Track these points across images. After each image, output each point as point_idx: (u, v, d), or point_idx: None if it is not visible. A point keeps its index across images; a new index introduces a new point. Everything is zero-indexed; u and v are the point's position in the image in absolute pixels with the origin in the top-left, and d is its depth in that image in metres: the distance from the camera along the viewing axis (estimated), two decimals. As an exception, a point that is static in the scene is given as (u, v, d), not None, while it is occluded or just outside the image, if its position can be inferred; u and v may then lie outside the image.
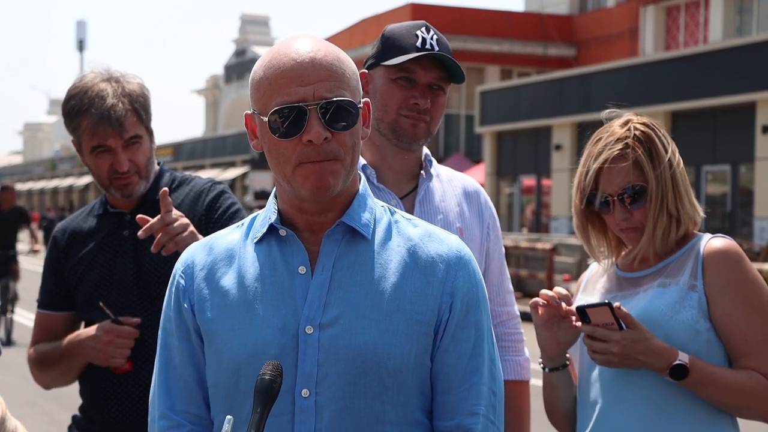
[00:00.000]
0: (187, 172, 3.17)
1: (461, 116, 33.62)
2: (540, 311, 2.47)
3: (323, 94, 1.84)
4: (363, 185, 1.99)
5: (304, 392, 1.85)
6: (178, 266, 2.01)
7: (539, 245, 19.49)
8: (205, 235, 2.64)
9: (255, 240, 1.96)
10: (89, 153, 2.89)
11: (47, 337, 2.98)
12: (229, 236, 2.01)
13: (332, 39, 35.40)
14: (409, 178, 2.77)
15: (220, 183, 3.06)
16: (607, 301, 2.37)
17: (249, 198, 36.36)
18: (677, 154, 2.50)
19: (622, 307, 2.37)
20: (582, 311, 2.40)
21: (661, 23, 30.72)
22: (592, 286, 2.64)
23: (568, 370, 2.57)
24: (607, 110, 2.59)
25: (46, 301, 3.01)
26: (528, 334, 2.97)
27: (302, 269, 1.90)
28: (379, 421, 1.87)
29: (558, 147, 26.41)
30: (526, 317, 3.22)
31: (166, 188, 2.67)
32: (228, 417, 1.69)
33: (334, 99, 1.84)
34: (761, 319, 2.39)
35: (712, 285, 2.40)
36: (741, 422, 2.51)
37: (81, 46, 48.50)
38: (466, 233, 2.78)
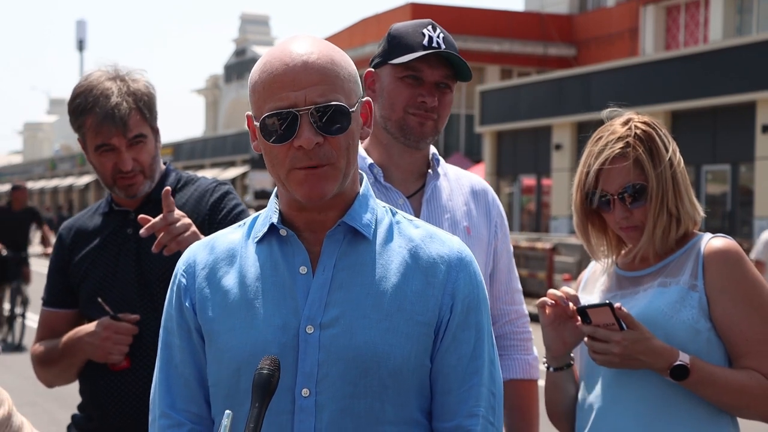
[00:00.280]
0: (191, 172, 3.17)
1: (461, 116, 33.63)
2: (547, 311, 2.47)
3: (315, 98, 1.83)
4: (365, 185, 1.99)
5: (304, 392, 1.85)
6: (180, 265, 2.02)
7: (539, 245, 19.50)
8: (208, 235, 2.64)
9: (256, 239, 1.96)
10: (93, 151, 2.89)
11: (51, 335, 2.98)
12: (230, 236, 2.02)
13: (332, 39, 35.40)
14: (416, 177, 2.77)
15: (225, 183, 3.06)
16: (607, 301, 2.37)
17: (249, 197, 36.37)
18: (678, 154, 2.50)
19: (622, 308, 2.37)
20: (583, 312, 2.40)
21: (661, 23, 30.71)
22: (591, 285, 2.64)
23: (572, 369, 2.57)
24: (608, 109, 2.59)
25: (50, 298, 3.02)
26: (534, 333, 2.98)
27: (303, 269, 1.90)
28: (378, 421, 1.87)
29: (558, 147, 26.40)
30: (531, 318, 3.22)
31: (168, 187, 2.67)
32: (227, 411, 1.69)
33: (326, 103, 1.84)
34: (761, 318, 2.39)
35: (712, 285, 2.40)
36: (741, 422, 2.51)
37: (81, 45, 48.52)
38: (474, 232, 2.78)
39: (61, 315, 2.99)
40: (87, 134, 2.88)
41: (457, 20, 33.27)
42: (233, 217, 2.92)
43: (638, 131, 2.48)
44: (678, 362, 2.34)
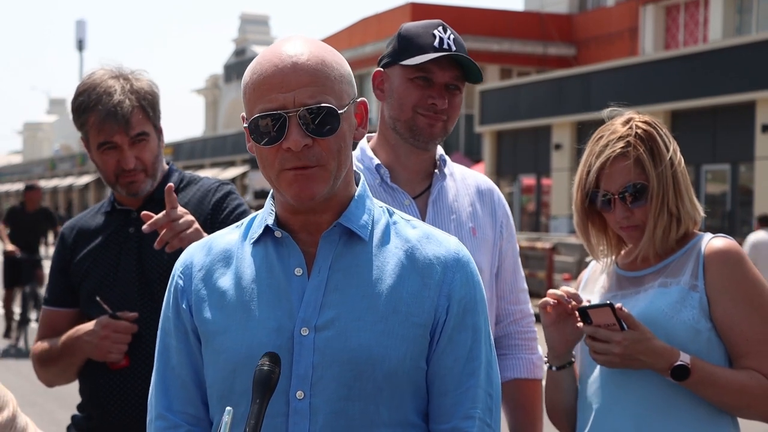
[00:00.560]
0: (192, 172, 3.17)
1: (461, 115, 33.51)
2: (549, 310, 2.47)
3: (304, 100, 1.82)
4: (362, 186, 1.98)
5: (299, 394, 1.85)
6: (177, 267, 2.01)
7: (539, 244, 19.50)
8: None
9: (252, 241, 1.95)
10: (96, 149, 2.90)
11: (52, 334, 2.97)
12: (227, 236, 2.01)
13: (332, 38, 35.41)
14: (422, 177, 2.77)
15: (227, 184, 3.06)
16: (608, 301, 2.37)
17: (249, 197, 36.36)
18: (678, 153, 2.50)
19: (623, 308, 2.37)
20: (583, 312, 2.40)
21: (660, 22, 30.71)
22: (591, 284, 2.63)
23: (573, 368, 2.57)
24: (609, 109, 2.59)
25: (52, 297, 3.02)
26: (538, 332, 2.98)
27: (299, 271, 1.90)
28: (373, 424, 1.86)
29: (558, 146, 26.40)
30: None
31: (171, 184, 2.67)
32: (228, 408, 1.69)
33: (315, 105, 1.82)
34: (762, 318, 2.39)
35: (713, 285, 2.40)
36: (741, 422, 2.51)
37: (81, 45, 48.51)
38: (479, 233, 2.78)
39: (63, 314, 2.99)
40: (90, 132, 2.89)
41: (456, 20, 33.25)
42: (235, 217, 2.92)
43: (639, 131, 2.48)
44: (679, 362, 2.34)
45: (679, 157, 2.50)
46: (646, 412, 2.41)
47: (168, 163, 3.07)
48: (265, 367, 1.72)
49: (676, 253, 2.48)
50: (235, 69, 59.38)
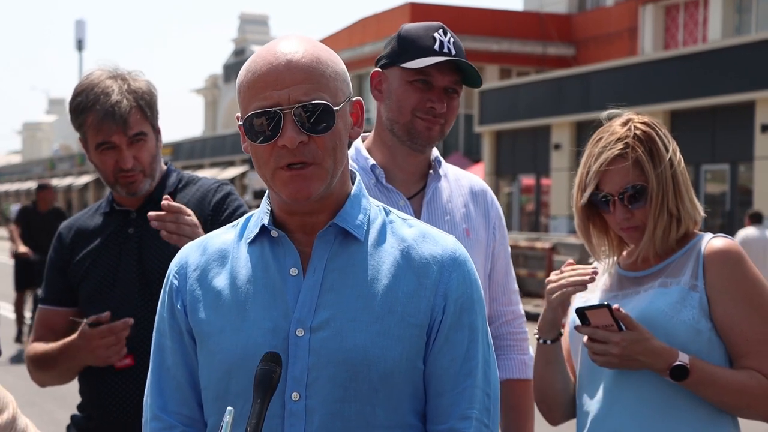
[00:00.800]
0: (192, 172, 3.17)
1: (460, 115, 33.61)
2: (555, 286, 2.46)
3: (299, 97, 1.81)
4: (357, 185, 1.97)
5: (294, 395, 1.83)
6: (172, 267, 2.00)
7: (539, 244, 19.49)
8: None
9: (248, 240, 1.94)
10: (94, 150, 2.90)
11: (49, 333, 2.96)
12: (223, 236, 2.00)
13: (331, 38, 35.41)
14: (417, 178, 2.78)
15: (226, 184, 3.06)
16: (606, 302, 2.37)
17: (248, 197, 36.36)
18: (678, 154, 2.50)
19: (621, 309, 2.37)
20: (581, 313, 2.39)
21: (660, 22, 30.72)
22: (593, 284, 2.63)
23: (560, 342, 2.56)
24: (608, 110, 2.58)
25: (49, 296, 3.00)
26: (529, 332, 2.99)
27: (294, 271, 1.88)
28: (369, 425, 1.85)
29: (557, 146, 26.40)
30: (528, 317, 3.22)
31: (167, 195, 2.69)
32: (229, 408, 1.67)
33: (310, 102, 1.82)
34: (762, 318, 2.39)
35: (713, 285, 2.40)
36: (741, 422, 2.51)
37: (80, 45, 48.50)
38: (473, 234, 2.79)
39: (61, 313, 2.98)
40: (88, 132, 2.89)
41: (456, 20, 33.25)
42: (236, 218, 2.92)
43: (638, 132, 2.48)
44: (677, 362, 2.34)
45: (679, 158, 2.49)
46: (647, 412, 2.41)
47: (166, 163, 3.07)
48: (267, 367, 1.71)
49: (676, 253, 2.48)
50: (234, 69, 59.37)
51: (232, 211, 2.96)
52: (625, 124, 2.51)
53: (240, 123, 1.88)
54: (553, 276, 2.51)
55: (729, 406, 2.40)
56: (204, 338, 1.91)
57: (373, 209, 1.97)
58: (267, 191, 1.98)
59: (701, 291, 2.41)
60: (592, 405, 2.49)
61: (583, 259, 2.54)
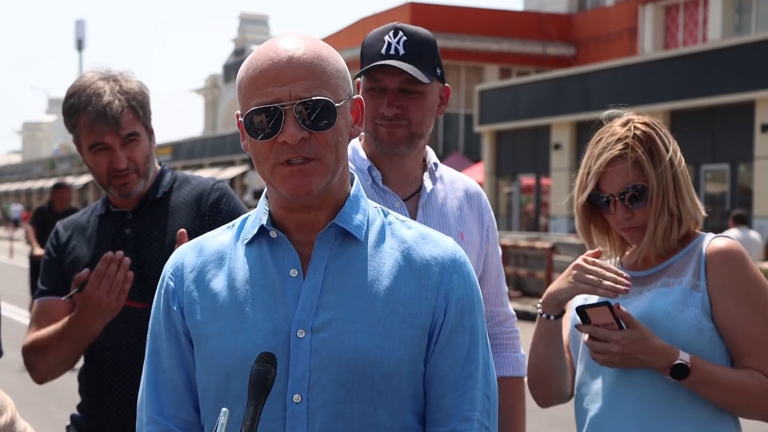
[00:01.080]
0: (187, 172, 3.17)
1: (460, 115, 33.62)
2: (590, 279, 2.42)
3: (300, 93, 1.80)
4: (356, 186, 1.96)
5: (296, 397, 1.82)
6: (168, 268, 1.98)
7: (538, 244, 19.49)
8: None
9: (245, 241, 1.93)
10: (88, 151, 2.90)
11: (49, 323, 2.89)
12: (219, 237, 1.98)
13: (331, 38, 35.42)
14: (411, 180, 2.77)
15: (223, 183, 3.05)
16: (606, 300, 2.37)
17: (248, 197, 36.37)
18: (678, 153, 2.49)
19: (621, 307, 2.37)
20: (582, 311, 2.39)
21: (660, 22, 30.73)
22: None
23: (562, 321, 2.54)
24: (608, 111, 2.58)
25: (48, 288, 2.95)
26: (523, 332, 3.00)
27: (294, 272, 1.87)
28: (372, 427, 1.83)
29: (557, 146, 26.41)
30: (527, 317, 3.22)
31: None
32: (224, 409, 1.65)
33: (311, 98, 1.80)
34: (763, 318, 2.39)
35: (714, 285, 2.40)
36: (742, 422, 2.51)
37: (80, 45, 48.52)
38: (467, 237, 2.79)
39: (62, 304, 2.91)
40: (81, 134, 2.89)
41: (455, 19, 33.28)
42: (235, 217, 2.91)
43: (638, 132, 2.47)
44: (678, 361, 2.33)
45: (680, 158, 2.49)
46: (648, 411, 2.41)
47: (160, 164, 3.06)
48: (261, 368, 1.69)
49: (678, 253, 2.48)
50: (234, 69, 59.41)
51: (229, 210, 2.96)
52: (625, 124, 2.51)
53: (240, 120, 1.87)
54: (588, 260, 2.45)
55: (729, 406, 2.40)
56: (202, 340, 1.89)
57: (371, 210, 1.95)
58: (265, 191, 1.97)
59: (703, 291, 2.40)
60: (592, 403, 2.49)
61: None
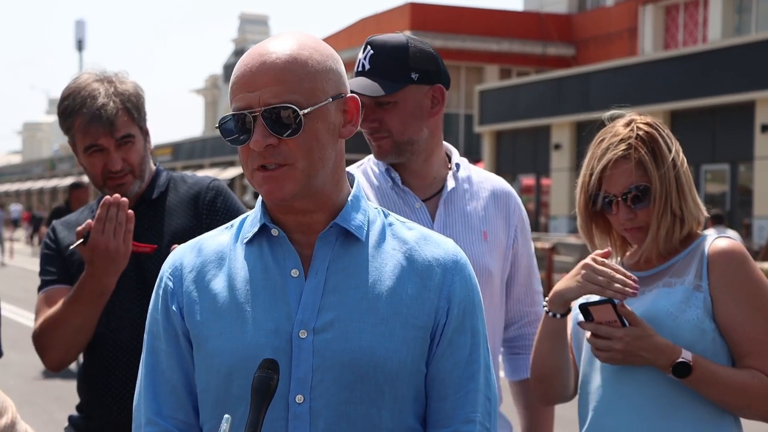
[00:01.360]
0: (184, 172, 3.16)
1: (460, 116, 33.63)
2: (600, 280, 2.41)
3: (268, 100, 1.80)
4: (356, 187, 1.95)
5: (299, 398, 1.81)
6: (166, 268, 1.97)
7: (538, 244, 19.48)
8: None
9: (245, 240, 1.92)
10: (83, 153, 2.90)
11: None
12: (218, 237, 1.97)
13: (331, 39, 35.42)
14: (432, 181, 2.78)
15: (218, 181, 3.05)
16: (609, 298, 2.37)
17: (248, 197, 36.39)
18: (681, 154, 2.49)
19: (624, 305, 2.36)
20: (585, 309, 2.39)
21: (660, 22, 30.73)
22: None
23: (567, 318, 2.53)
24: (611, 111, 2.58)
25: (51, 278, 2.93)
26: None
27: (295, 272, 1.86)
28: (374, 428, 1.83)
29: (557, 146, 26.42)
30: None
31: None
32: (226, 416, 1.65)
33: (277, 105, 1.80)
34: (765, 318, 2.39)
35: (716, 285, 2.40)
36: (743, 422, 2.51)
37: (80, 45, 48.52)
38: (491, 237, 2.78)
39: (64, 291, 2.88)
40: (76, 136, 2.90)
41: (455, 20, 33.29)
42: (232, 215, 2.91)
43: (640, 132, 2.47)
44: (680, 359, 2.33)
45: (682, 158, 2.49)
46: (649, 409, 2.40)
47: (155, 164, 3.07)
48: (264, 374, 1.68)
49: (680, 253, 2.48)
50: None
51: (226, 208, 2.96)
52: (627, 124, 2.50)
53: (216, 125, 1.88)
54: (598, 260, 2.43)
55: (730, 406, 2.40)
56: (202, 341, 1.88)
57: (371, 211, 1.95)
58: None
59: (705, 291, 2.40)
60: (594, 401, 2.48)
61: (582, 259, 2.52)
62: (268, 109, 1.79)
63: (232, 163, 46.08)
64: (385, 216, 1.96)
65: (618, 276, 2.39)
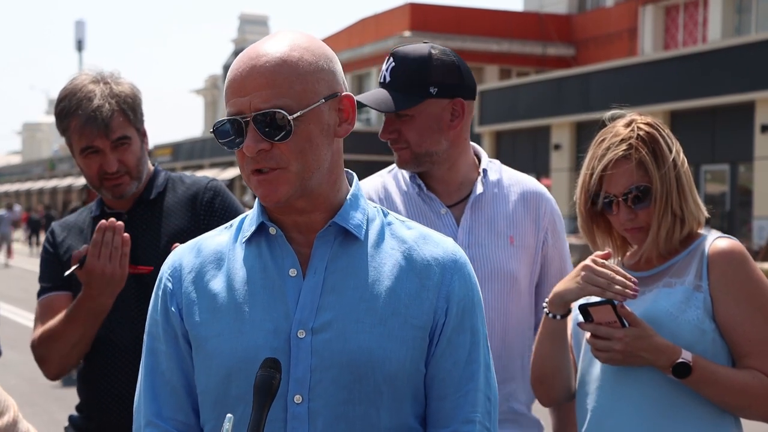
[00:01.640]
0: (183, 172, 3.16)
1: (460, 116, 33.56)
2: (600, 282, 2.40)
3: (258, 105, 1.80)
4: (355, 186, 1.95)
5: (297, 398, 1.81)
6: (165, 269, 1.97)
7: (538, 245, 19.47)
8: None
9: (244, 239, 1.92)
10: (79, 154, 2.91)
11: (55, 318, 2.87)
12: (217, 238, 1.97)
13: (331, 39, 35.41)
14: (458, 187, 2.79)
15: (216, 181, 3.05)
16: (609, 298, 2.37)
17: (248, 197, 36.36)
18: (681, 154, 2.49)
19: (624, 305, 2.36)
20: (584, 310, 2.39)
21: (660, 23, 30.73)
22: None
23: (567, 319, 2.53)
24: (611, 111, 2.58)
25: (50, 284, 2.94)
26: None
27: (293, 272, 1.86)
28: (373, 428, 1.83)
29: (557, 146, 26.42)
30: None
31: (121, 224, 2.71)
32: (228, 415, 1.65)
33: (267, 110, 1.79)
34: (765, 318, 2.38)
35: (716, 285, 2.39)
36: (743, 422, 2.51)
37: (80, 45, 48.50)
38: (517, 241, 2.78)
39: (63, 297, 2.91)
40: (72, 137, 2.90)
41: (455, 20, 33.28)
42: (230, 216, 2.91)
43: (641, 132, 2.47)
44: (680, 360, 2.33)
45: (682, 158, 2.49)
46: (649, 409, 2.40)
47: (154, 164, 3.07)
48: (266, 373, 1.68)
49: (680, 253, 2.48)
50: (234, 69, 59.39)
51: (224, 208, 2.96)
52: (628, 125, 2.50)
53: (210, 130, 1.88)
54: (598, 261, 2.43)
55: (730, 406, 2.40)
56: (201, 342, 1.88)
57: (371, 210, 1.94)
58: None
59: (705, 291, 2.40)
60: (594, 402, 2.48)
61: (582, 259, 2.52)
62: (259, 114, 1.79)
63: (231, 164, 46.05)
64: (385, 215, 1.96)
65: (618, 278, 2.39)
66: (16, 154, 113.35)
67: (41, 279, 3.00)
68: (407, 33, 32.32)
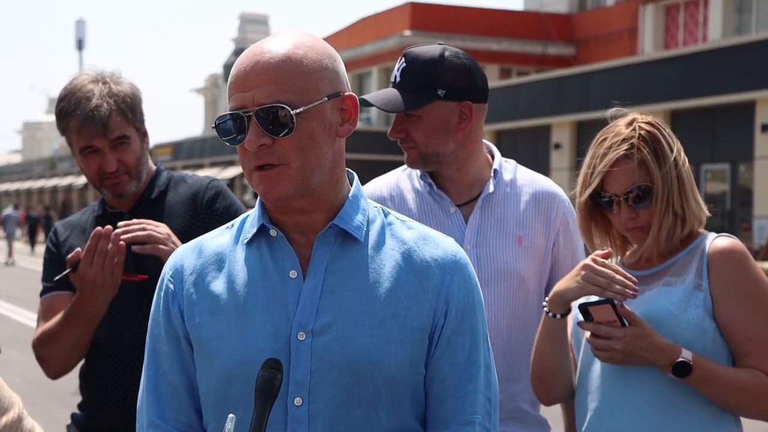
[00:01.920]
0: (184, 172, 3.17)
1: (460, 115, 33.56)
2: (600, 281, 2.40)
3: (261, 99, 1.80)
4: (356, 186, 1.94)
5: (297, 400, 1.81)
6: (167, 270, 1.96)
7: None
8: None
9: (245, 241, 1.91)
10: (79, 154, 2.92)
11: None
12: (218, 239, 1.97)
13: (331, 38, 35.41)
14: (469, 186, 2.79)
15: (217, 181, 3.05)
16: (609, 298, 2.37)
17: (248, 197, 36.37)
18: (682, 153, 2.49)
19: (624, 305, 2.36)
20: (584, 309, 2.39)
21: (660, 22, 30.72)
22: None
23: (567, 318, 2.53)
24: (613, 109, 2.58)
25: (52, 284, 2.94)
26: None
27: (293, 273, 1.86)
28: (373, 430, 1.83)
29: (557, 146, 26.41)
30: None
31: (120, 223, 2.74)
32: (230, 416, 1.65)
33: (269, 105, 1.79)
34: (765, 318, 2.38)
35: (716, 284, 2.39)
36: (743, 421, 2.51)
37: (80, 45, 48.52)
38: (526, 242, 2.77)
39: (64, 297, 2.90)
40: (71, 137, 2.91)
41: (455, 19, 33.28)
42: (230, 216, 2.91)
43: (642, 132, 2.47)
44: (680, 359, 2.33)
45: (684, 158, 2.49)
46: (649, 409, 2.40)
47: (156, 164, 3.07)
48: (267, 374, 1.68)
49: (680, 252, 2.48)
50: (234, 69, 59.38)
51: (225, 208, 2.96)
52: (629, 124, 2.50)
53: (212, 125, 1.88)
54: (598, 260, 2.42)
55: (731, 405, 2.40)
56: (202, 343, 1.88)
57: (371, 210, 1.94)
58: None
59: (705, 290, 2.40)
60: (594, 401, 2.48)
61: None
62: (262, 109, 1.79)
63: (232, 163, 46.06)
64: (385, 215, 1.95)
65: (618, 277, 2.39)
66: (16, 153, 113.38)
67: (44, 278, 3.00)
68: (407, 32, 32.33)
